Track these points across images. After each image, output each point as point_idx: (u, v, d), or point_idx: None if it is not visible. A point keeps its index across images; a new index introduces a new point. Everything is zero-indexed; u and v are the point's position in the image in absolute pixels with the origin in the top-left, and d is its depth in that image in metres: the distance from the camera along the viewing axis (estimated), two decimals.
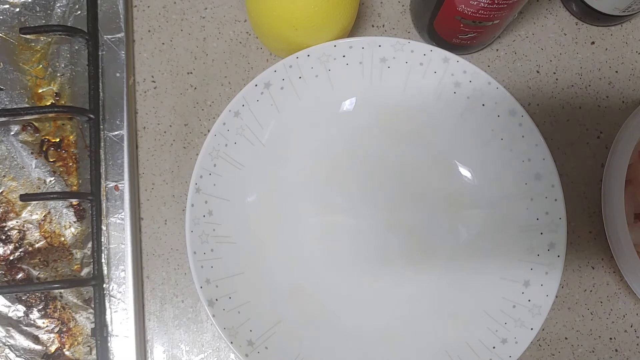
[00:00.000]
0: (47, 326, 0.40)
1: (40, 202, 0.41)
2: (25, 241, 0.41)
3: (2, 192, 0.41)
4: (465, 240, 0.40)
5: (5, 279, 0.40)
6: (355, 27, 0.43)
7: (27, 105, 0.41)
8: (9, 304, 0.40)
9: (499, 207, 0.39)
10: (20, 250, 0.40)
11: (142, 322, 0.40)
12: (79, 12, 0.42)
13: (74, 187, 0.41)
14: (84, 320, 0.40)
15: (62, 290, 0.40)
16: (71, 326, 0.40)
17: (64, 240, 0.41)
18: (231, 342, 0.36)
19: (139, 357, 0.39)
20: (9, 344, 0.39)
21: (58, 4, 0.42)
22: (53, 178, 0.41)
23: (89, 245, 0.40)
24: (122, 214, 0.40)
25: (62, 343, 0.39)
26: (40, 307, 0.40)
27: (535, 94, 0.43)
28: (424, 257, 0.40)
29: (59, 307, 0.40)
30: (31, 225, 0.41)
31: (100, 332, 0.39)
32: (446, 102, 0.40)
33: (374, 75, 0.40)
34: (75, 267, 0.40)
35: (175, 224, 0.41)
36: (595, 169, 0.43)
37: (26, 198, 0.39)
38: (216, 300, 0.37)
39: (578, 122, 0.43)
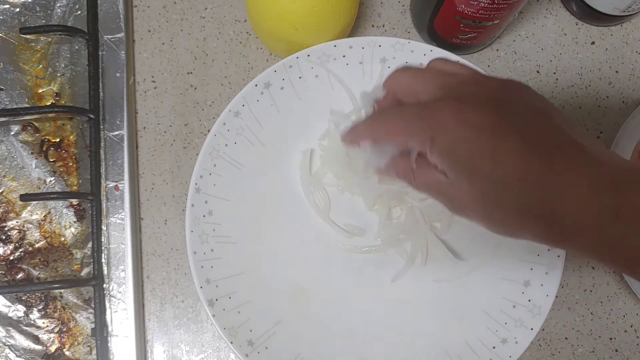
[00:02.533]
0: (47, 326, 0.40)
1: (40, 202, 0.41)
2: (25, 241, 0.41)
3: (2, 192, 0.41)
4: (465, 241, 0.40)
5: (5, 279, 0.40)
6: (355, 27, 0.43)
7: (27, 105, 0.41)
8: (9, 304, 0.40)
9: None
10: (20, 250, 0.40)
11: (142, 322, 0.40)
12: (79, 12, 0.42)
13: (74, 187, 0.41)
14: (84, 320, 0.40)
15: (62, 290, 0.40)
16: (71, 326, 0.40)
17: (64, 240, 0.41)
18: (231, 342, 0.36)
19: (139, 357, 0.39)
20: (9, 344, 0.39)
21: (58, 4, 0.42)
22: (53, 178, 0.41)
23: (89, 245, 0.40)
24: (122, 214, 0.40)
25: (62, 343, 0.39)
26: (40, 307, 0.40)
27: None
28: (424, 257, 0.40)
29: (59, 307, 0.40)
30: (31, 225, 0.41)
31: (100, 332, 0.39)
32: None
33: (374, 75, 0.40)
34: (75, 267, 0.40)
35: (175, 224, 0.41)
36: None
37: (26, 198, 0.39)
38: (216, 300, 0.37)
39: (578, 122, 0.43)
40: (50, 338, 0.40)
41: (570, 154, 0.22)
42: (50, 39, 0.42)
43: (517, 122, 0.22)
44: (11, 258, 0.40)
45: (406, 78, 0.26)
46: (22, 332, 0.39)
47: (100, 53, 0.42)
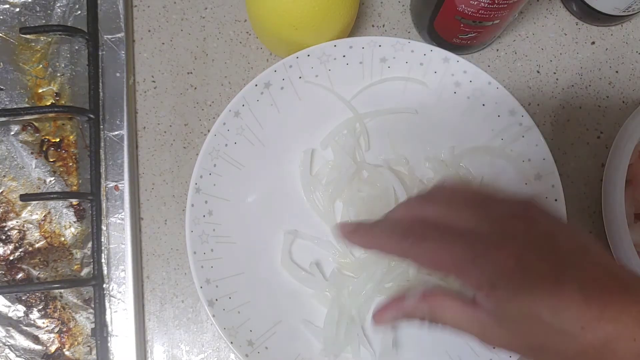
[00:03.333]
0: (47, 326, 0.40)
1: (40, 202, 0.41)
2: (25, 241, 0.41)
3: (2, 192, 0.41)
4: None
5: (5, 279, 0.40)
6: (356, 27, 0.43)
7: (27, 105, 0.41)
8: (9, 304, 0.40)
9: None
10: (20, 250, 0.40)
11: (142, 322, 0.40)
12: (79, 12, 0.42)
13: (74, 187, 0.41)
14: (84, 320, 0.40)
15: (62, 290, 0.40)
16: (71, 326, 0.40)
17: (64, 240, 0.41)
18: (231, 342, 0.36)
19: (139, 357, 0.39)
20: (9, 344, 0.39)
21: (58, 4, 0.42)
22: (53, 178, 0.41)
23: (89, 245, 0.40)
24: (122, 214, 0.40)
25: (62, 343, 0.39)
26: (40, 307, 0.40)
27: (535, 94, 0.43)
28: None
29: (59, 307, 0.40)
30: (31, 225, 0.41)
31: (100, 332, 0.39)
32: (446, 102, 0.40)
33: (374, 75, 0.40)
34: (75, 267, 0.40)
35: (175, 224, 0.41)
36: (595, 169, 0.43)
37: (26, 198, 0.39)
38: (216, 300, 0.37)
39: (578, 122, 0.43)
40: (50, 338, 0.39)
41: (617, 298, 0.23)
42: (50, 39, 0.42)
43: (566, 264, 0.23)
44: (11, 258, 0.40)
45: (436, 204, 0.26)
46: (22, 332, 0.39)
47: (100, 53, 0.42)
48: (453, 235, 0.25)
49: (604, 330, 0.22)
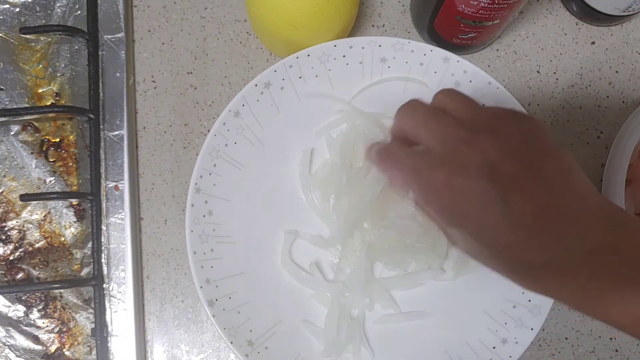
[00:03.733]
0: (47, 326, 0.40)
1: (40, 202, 0.41)
2: (25, 241, 0.41)
3: (2, 192, 0.41)
4: None
5: (5, 279, 0.40)
6: (356, 27, 0.43)
7: (27, 105, 0.41)
8: (9, 304, 0.40)
9: None
10: (20, 250, 0.40)
11: (142, 322, 0.40)
12: (79, 12, 0.42)
13: (74, 187, 0.41)
14: (84, 320, 0.40)
15: (62, 290, 0.40)
16: (71, 326, 0.40)
17: (64, 240, 0.41)
18: (231, 342, 0.36)
19: (139, 357, 0.39)
20: (9, 344, 0.39)
21: (58, 4, 0.42)
22: (53, 178, 0.41)
23: (89, 245, 0.40)
24: (122, 214, 0.40)
25: (62, 343, 0.39)
26: (40, 307, 0.40)
27: (535, 94, 0.43)
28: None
29: (59, 307, 0.40)
30: (31, 225, 0.41)
31: (100, 332, 0.39)
32: None
33: (374, 75, 0.40)
34: (75, 267, 0.40)
35: (175, 224, 0.41)
36: (595, 169, 0.43)
37: (26, 198, 0.39)
38: (216, 300, 0.37)
39: (578, 122, 0.43)
40: (50, 338, 0.40)
41: (550, 225, 0.24)
42: (50, 39, 0.42)
43: (505, 185, 0.24)
44: (11, 258, 0.40)
45: (411, 123, 0.28)
46: (22, 332, 0.39)
47: (100, 53, 0.42)
48: (411, 155, 0.27)
49: (528, 255, 0.24)
